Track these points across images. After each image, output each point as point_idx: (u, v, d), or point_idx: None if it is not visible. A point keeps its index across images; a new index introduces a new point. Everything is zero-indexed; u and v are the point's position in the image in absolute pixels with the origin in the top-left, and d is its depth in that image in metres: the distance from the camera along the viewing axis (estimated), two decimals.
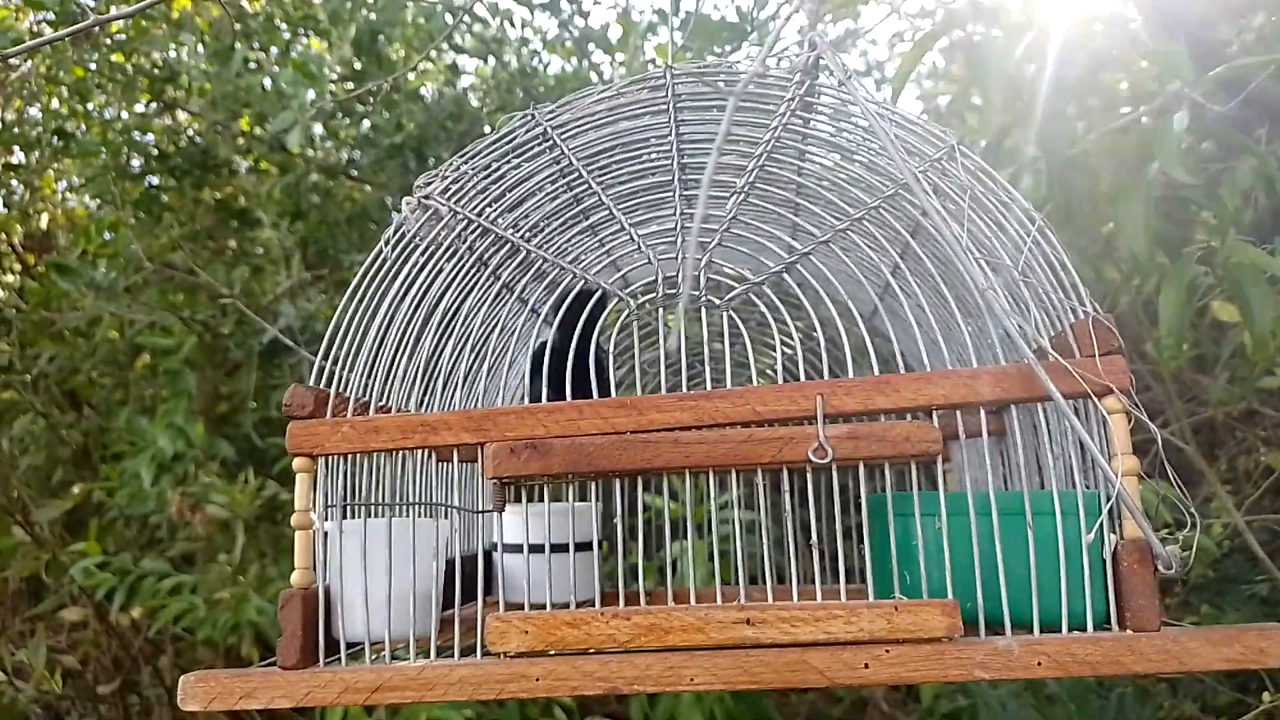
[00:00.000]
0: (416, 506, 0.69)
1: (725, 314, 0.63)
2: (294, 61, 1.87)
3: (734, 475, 0.58)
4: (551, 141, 0.70)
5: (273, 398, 1.84)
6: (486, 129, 1.88)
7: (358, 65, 1.98)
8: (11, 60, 1.84)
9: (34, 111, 2.09)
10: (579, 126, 0.70)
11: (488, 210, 0.68)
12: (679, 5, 1.75)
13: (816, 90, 0.66)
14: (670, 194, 0.70)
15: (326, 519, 0.60)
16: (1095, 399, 0.54)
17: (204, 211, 2.12)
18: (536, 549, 0.61)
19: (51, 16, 1.86)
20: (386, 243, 0.66)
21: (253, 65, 1.95)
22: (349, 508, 0.62)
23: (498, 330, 0.70)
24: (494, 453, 0.57)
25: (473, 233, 0.68)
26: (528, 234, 0.70)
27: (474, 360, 0.69)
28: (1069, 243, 0.60)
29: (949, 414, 0.58)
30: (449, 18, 1.98)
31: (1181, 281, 0.90)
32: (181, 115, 2.22)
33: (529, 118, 0.70)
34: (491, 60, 2.18)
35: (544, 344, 0.64)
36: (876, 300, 0.68)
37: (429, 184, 0.68)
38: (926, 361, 0.58)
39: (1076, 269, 0.59)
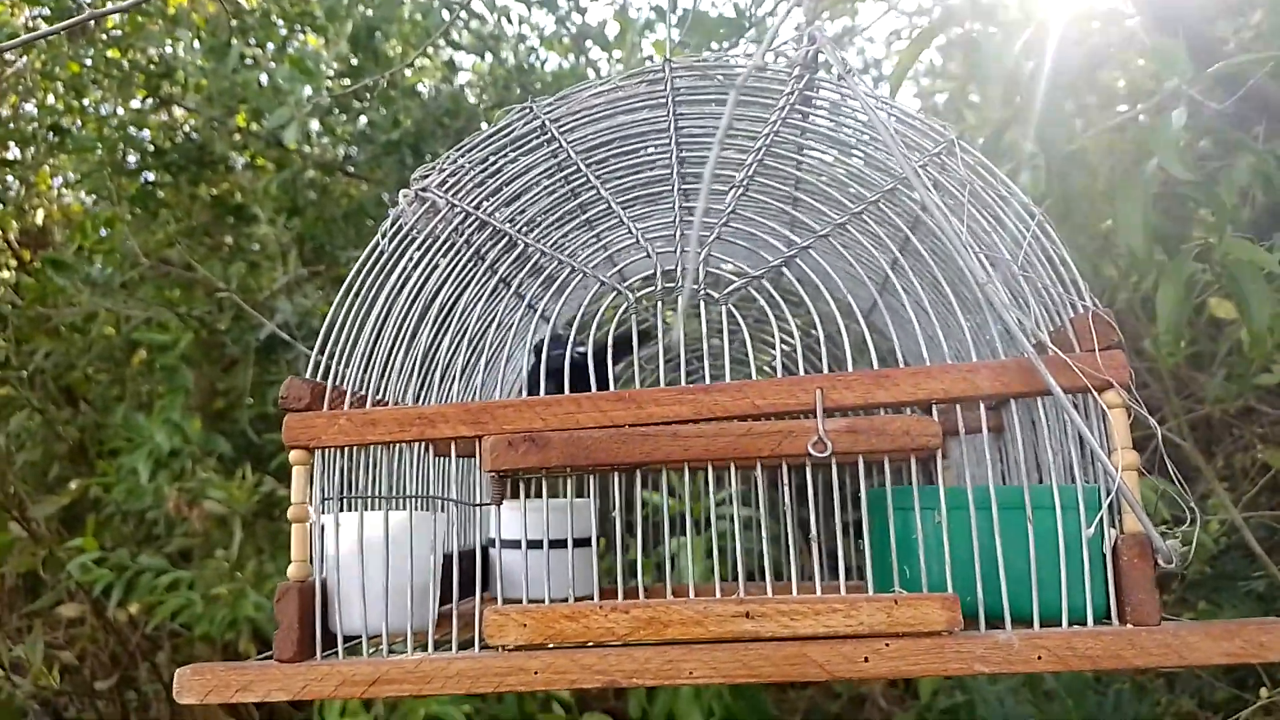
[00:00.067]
0: (414, 500, 0.69)
1: (724, 309, 0.63)
2: (290, 57, 1.86)
3: (731, 471, 0.58)
4: (549, 135, 0.69)
5: (269, 393, 1.84)
6: (483, 125, 1.88)
7: (354, 61, 1.98)
8: (7, 55, 1.83)
9: (29, 107, 2.08)
10: (577, 120, 0.70)
11: (485, 203, 0.68)
12: (676, 2, 1.75)
13: (816, 84, 0.66)
14: (668, 188, 0.70)
15: (323, 512, 0.60)
16: (1095, 394, 0.54)
17: (200, 207, 2.12)
18: (534, 544, 0.61)
19: (47, 11, 1.85)
20: (384, 236, 0.66)
21: (249, 61, 1.94)
22: (346, 501, 0.62)
23: (495, 324, 0.70)
24: (492, 445, 0.57)
25: (470, 226, 0.68)
26: (525, 227, 0.69)
27: (471, 354, 0.69)
28: (1067, 239, 0.60)
29: (948, 410, 0.58)
30: (446, 14, 1.98)
31: (1179, 278, 0.90)
32: (178, 111, 2.21)
33: (527, 111, 0.70)
34: (488, 56, 2.18)
35: (542, 340, 0.64)
36: (876, 295, 0.68)
37: (426, 177, 0.68)
38: (926, 357, 0.58)
39: (1075, 265, 0.58)
